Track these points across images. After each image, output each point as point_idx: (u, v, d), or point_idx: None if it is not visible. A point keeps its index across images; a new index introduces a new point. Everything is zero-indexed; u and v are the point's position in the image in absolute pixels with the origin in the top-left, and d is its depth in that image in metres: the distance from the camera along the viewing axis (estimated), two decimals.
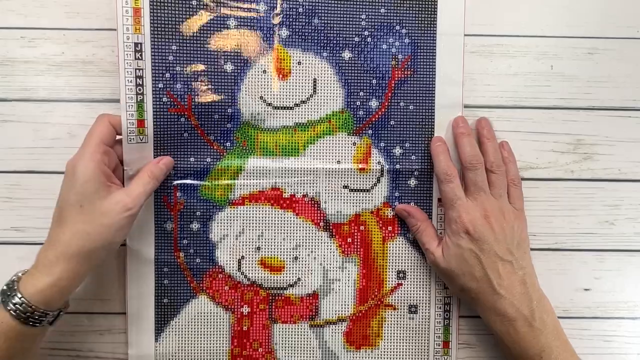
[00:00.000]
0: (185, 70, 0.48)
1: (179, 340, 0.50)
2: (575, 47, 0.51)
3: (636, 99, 0.52)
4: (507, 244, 0.45)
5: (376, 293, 0.51)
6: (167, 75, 0.47)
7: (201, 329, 0.50)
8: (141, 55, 0.46)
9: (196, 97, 0.48)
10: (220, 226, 0.50)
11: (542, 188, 0.52)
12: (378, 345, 0.51)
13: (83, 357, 0.51)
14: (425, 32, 0.50)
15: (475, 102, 0.51)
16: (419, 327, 0.51)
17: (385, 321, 0.51)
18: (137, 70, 0.46)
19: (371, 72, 0.50)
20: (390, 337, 0.51)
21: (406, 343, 0.51)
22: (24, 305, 0.40)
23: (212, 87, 0.48)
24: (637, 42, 0.52)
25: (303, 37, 0.49)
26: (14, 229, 0.50)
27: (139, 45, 0.46)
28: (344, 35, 0.49)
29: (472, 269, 0.45)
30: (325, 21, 0.49)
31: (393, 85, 0.50)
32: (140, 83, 0.46)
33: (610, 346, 0.52)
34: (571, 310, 0.52)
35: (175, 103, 0.47)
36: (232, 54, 0.48)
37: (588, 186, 0.52)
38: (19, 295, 0.40)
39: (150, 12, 0.46)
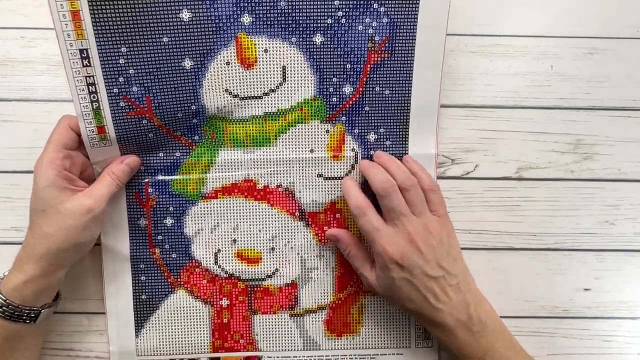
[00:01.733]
0: (140, 72, 0.44)
1: (159, 335, 0.50)
2: (575, 47, 0.52)
3: (636, 99, 0.52)
4: (437, 260, 0.44)
5: (355, 280, 0.51)
6: (121, 79, 0.44)
7: (181, 323, 0.50)
8: (89, 61, 0.43)
9: (155, 98, 0.45)
10: (195, 220, 0.49)
11: (542, 188, 0.52)
12: (359, 332, 0.51)
13: (83, 357, 0.51)
14: (406, 9, 0.46)
15: (475, 102, 0.51)
16: (399, 312, 0.51)
17: (365, 308, 0.51)
18: (88, 78, 0.43)
19: (345, 56, 0.47)
20: (371, 323, 0.51)
21: (387, 329, 0.51)
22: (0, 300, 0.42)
23: (171, 86, 0.45)
24: (637, 42, 0.52)
25: (268, 22, 0.46)
26: (14, 229, 0.50)
27: (85, 51, 0.43)
28: (315, 18, 0.46)
29: (408, 294, 0.44)
30: (293, 3, 0.45)
31: (369, 69, 0.48)
32: (94, 90, 0.44)
33: (610, 346, 0.52)
34: (571, 310, 0.52)
35: (133, 106, 0.45)
36: (189, 49, 0.45)
37: (588, 186, 0.52)
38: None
39: (91, 14, 0.42)
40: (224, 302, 0.50)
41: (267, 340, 0.50)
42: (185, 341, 0.50)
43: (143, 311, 0.50)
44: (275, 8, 0.46)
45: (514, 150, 0.52)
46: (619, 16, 0.52)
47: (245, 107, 0.47)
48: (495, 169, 0.52)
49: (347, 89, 0.48)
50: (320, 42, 0.47)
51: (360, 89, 0.48)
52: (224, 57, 0.46)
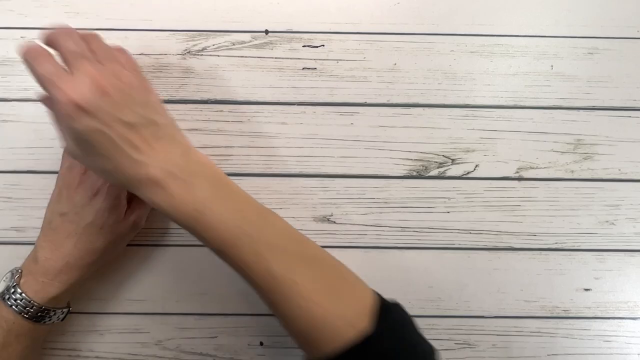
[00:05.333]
0: None
1: None
2: (575, 47, 0.52)
3: (636, 99, 0.52)
4: (131, 106, 0.37)
5: None
6: None
7: None
8: None
9: None
10: None
11: (542, 188, 0.52)
12: None
13: (83, 357, 0.51)
14: None
15: (475, 102, 0.51)
16: None
17: None
18: None
19: None
20: None
21: None
22: (34, 307, 0.42)
23: None
24: (637, 42, 0.52)
25: None
26: (14, 229, 0.50)
27: None
28: None
29: (102, 148, 0.36)
30: None
31: None
32: None
33: (610, 346, 0.52)
34: (571, 310, 0.52)
35: None
36: None
37: (588, 186, 0.52)
38: (32, 302, 0.42)
39: None
40: None
41: None
42: None
43: None
44: None
45: (514, 150, 0.52)
46: (619, 16, 0.52)
47: None
48: (495, 169, 0.52)
49: None
50: None
51: None
52: None
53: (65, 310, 0.45)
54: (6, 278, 0.44)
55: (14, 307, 0.42)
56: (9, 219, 0.50)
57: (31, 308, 0.42)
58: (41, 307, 0.42)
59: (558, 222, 0.52)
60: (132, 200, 0.47)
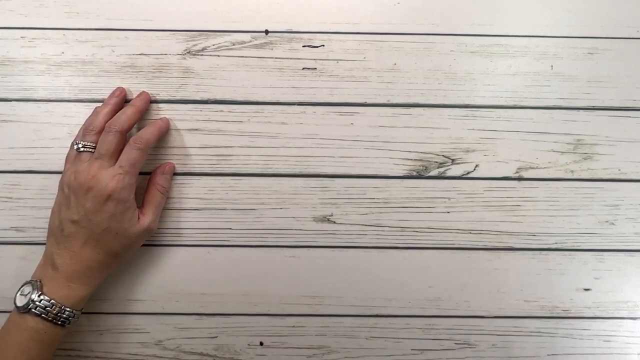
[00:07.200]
0: None
1: None
2: (575, 47, 0.52)
3: (636, 99, 0.52)
4: None
5: None
6: None
7: None
8: None
9: None
10: None
11: (542, 188, 0.52)
12: None
13: (83, 357, 0.51)
14: None
15: (475, 102, 0.51)
16: None
17: None
18: None
19: None
20: None
21: None
22: (67, 312, 0.43)
23: None
24: (637, 42, 0.52)
25: None
26: (14, 229, 0.50)
27: None
28: None
29: None
30: None
31: None
32: None
33: (610, 346, 0.52)
34: (571, 310, 0.52)
35: None
36: None
37: (588, 186, 0.52)
38: (64, 307, 0.43)
39: None
40: None
41: None
42: None
43: None
44: None
45: (514, 150, 0.52)
46: (619, 16, 0.52)
47: None
48: (495, 169, 0.52)
49: None
50: None
51: None
52: None
53: (78, 311, 0.45)
54: (23, 291, 0.43)
55: (43, 315, 0.42)
56: (9, 219, 0.50)
57: (63, 313, 0.43)
58: (71, 310, 0.43)
59: (558, 222, 0.52)
60: (144, 204, 0.48)
